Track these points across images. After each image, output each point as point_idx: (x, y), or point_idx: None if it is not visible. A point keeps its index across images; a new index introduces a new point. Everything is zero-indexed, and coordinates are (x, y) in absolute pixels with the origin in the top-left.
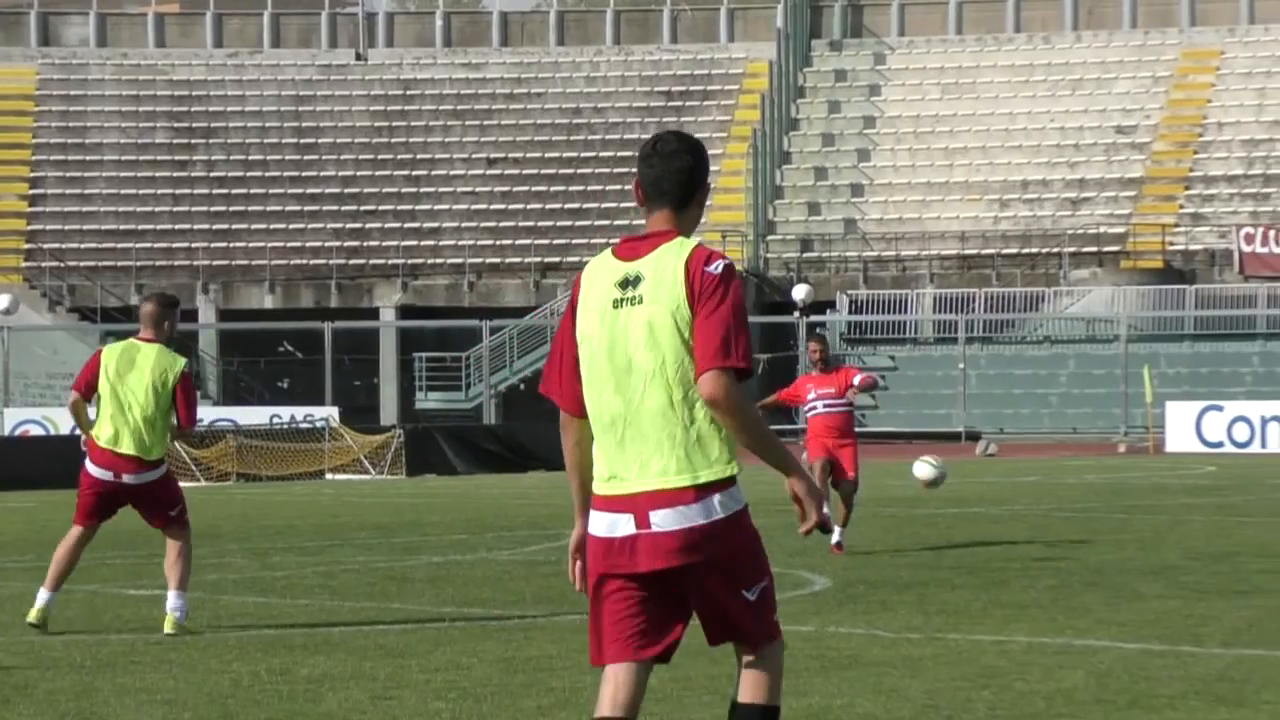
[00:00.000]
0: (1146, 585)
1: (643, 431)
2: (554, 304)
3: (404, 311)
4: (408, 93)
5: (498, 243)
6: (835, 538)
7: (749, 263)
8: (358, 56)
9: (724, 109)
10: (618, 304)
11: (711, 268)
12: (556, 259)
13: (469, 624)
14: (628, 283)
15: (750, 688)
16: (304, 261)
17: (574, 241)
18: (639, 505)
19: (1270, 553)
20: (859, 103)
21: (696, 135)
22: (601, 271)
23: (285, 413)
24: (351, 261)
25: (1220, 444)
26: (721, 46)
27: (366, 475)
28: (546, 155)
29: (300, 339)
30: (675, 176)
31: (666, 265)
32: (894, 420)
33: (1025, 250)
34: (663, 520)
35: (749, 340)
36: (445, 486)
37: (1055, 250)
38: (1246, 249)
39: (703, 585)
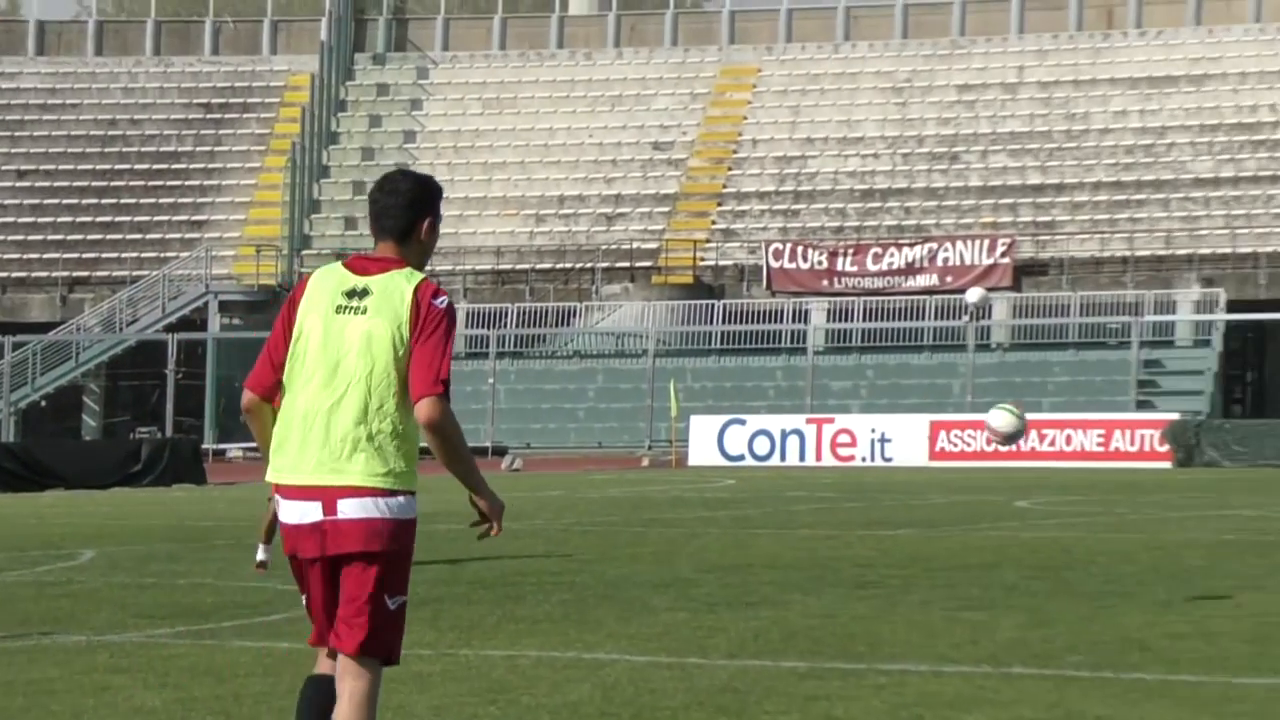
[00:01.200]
0: (658, 598)
1: (338, 430)
2: (80, 319)
3: None
4: None
5: (24, 256)
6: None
7: (283, 278)
8: None
9: (263, 122)
10: (340, 310)
11: (438, 302)
12: (86, 273)
13: None
14: (354, 293)
15: (349, 707)
16: None
17: (104, 255)
18: (328, 495)
19: (780, 564)
20: (400, 117)
21: (235, 148)
22: (329, 278)
23: None
24: None
25: (741, 457)
26: (264, 59)
27: None
28: (79, 167)
29: None
30: (394, 211)
31: (396, 287)
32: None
33: (560, 265)
34: (349, 509)
35: (449, 362)
36: None
37: (589, 265)
38: (775, 265)
39: (361, 577)
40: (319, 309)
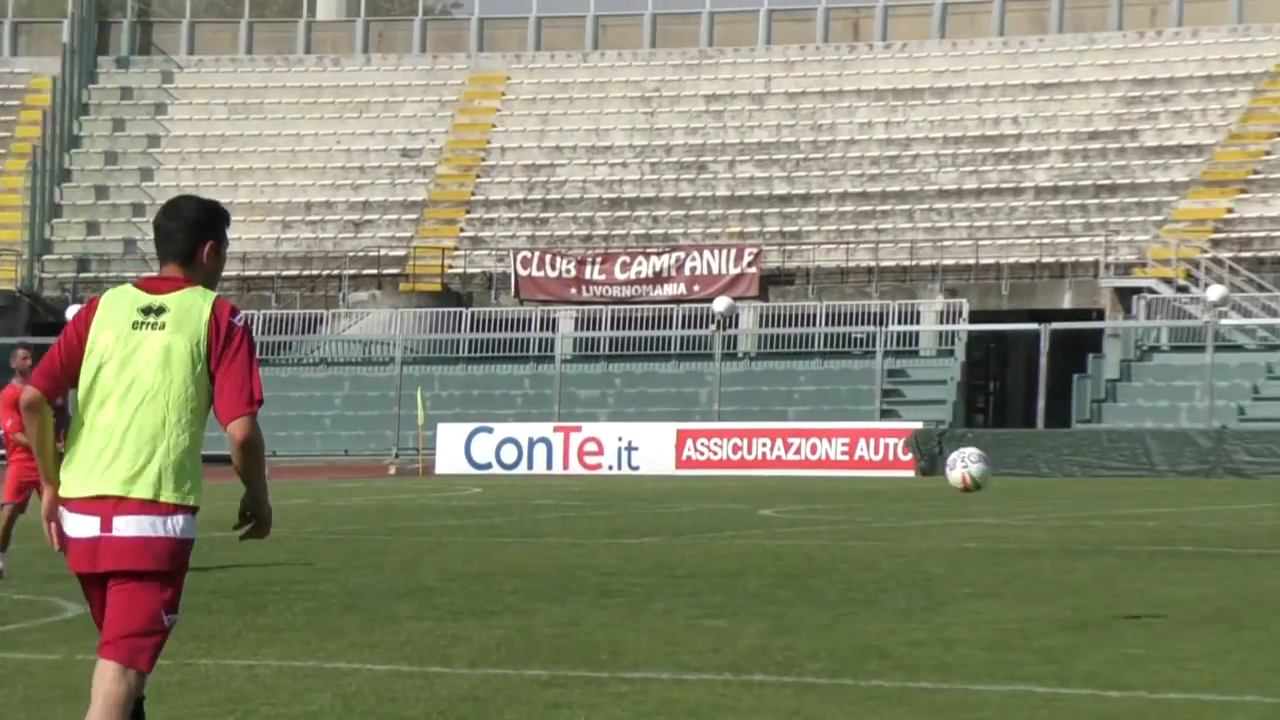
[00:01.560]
0: (402, 607)
1: (131, 443)
2: None
3: None
4: None
5: None
6: None
7: (23, 283)
8: None
9: (3, 124)
10: (137, 326)
11: (236, 320)
12: None
13: None
14: (151, 310)
15: (102, 708)
16: None
17: None
18: (105, 509)
19: (525, 573)
20: (144, 121)
21: None
22: (123, 298)
23: None
24: None
25: (489, 465)
26: (4, 60)
27: None
28: None
29: None
30: (176, 236)
31: (192, 304)
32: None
33: (306, 272)
34: (124, 526)
35: (260, 379)
36: None
37: (336, 272)
38: (523, 273)
39: (134, 592)
40: (114, 325)
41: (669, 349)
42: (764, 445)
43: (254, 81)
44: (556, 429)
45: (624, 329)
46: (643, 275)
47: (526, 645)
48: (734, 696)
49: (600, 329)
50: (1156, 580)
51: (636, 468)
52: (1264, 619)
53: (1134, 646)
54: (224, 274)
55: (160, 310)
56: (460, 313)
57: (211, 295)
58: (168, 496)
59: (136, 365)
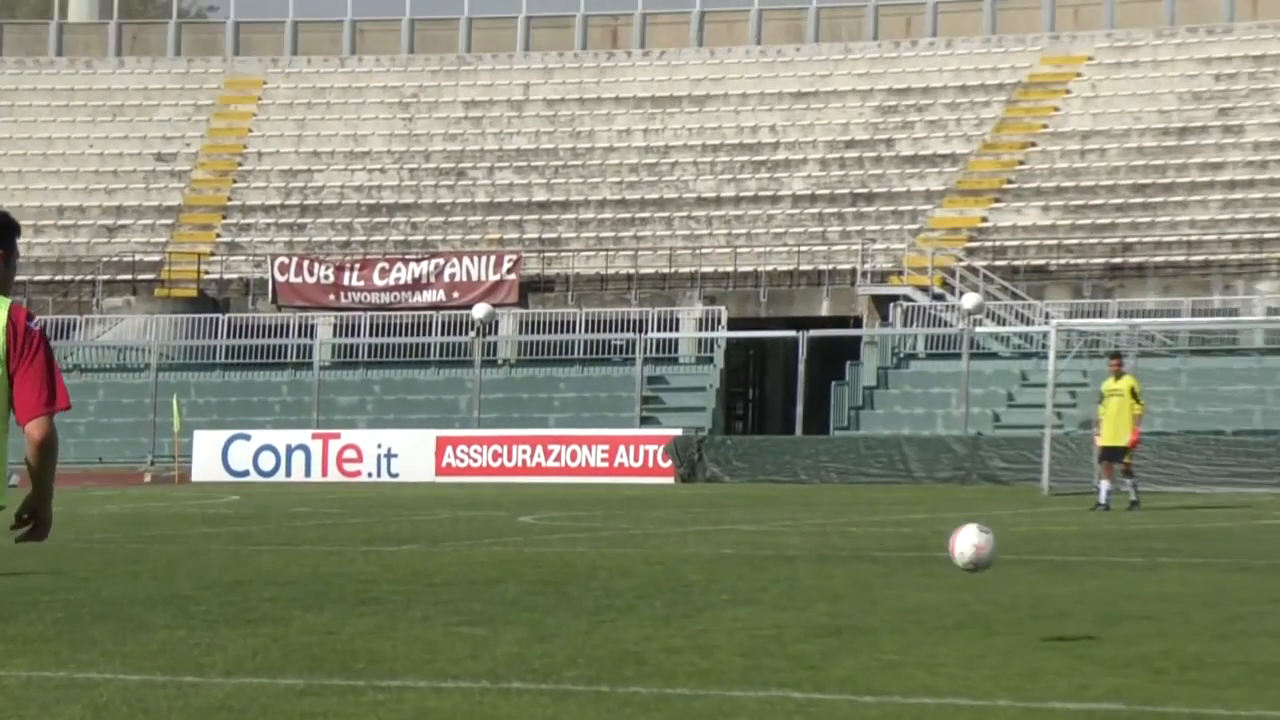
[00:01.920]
0: (156, 616)
1: None
2: None
3: None
4: None
5: None
6: None
7: None
8: None
9: None
10: None
11: (33, 324)
12: None
13: None
14: None
15: None
16: None
17: None
18: None
19: (281, 580)
20: None
21: None
22: None
23: None
24: None
25: (246, 473)
26: None
27: None
28: None
29: None
30: None
31: None
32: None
33: (59, 277)
34: None
35: (63, 383)
36: None
37: (90, 277)
38: (281, 279)
39: None
40: None
41: (428, 356)
42: (524, 452)
43: (4, 83)
44: (315, 436)
45: (383, 335)
46: (402, 281)
47: (282, 654)
48: (491, 704)
49: (359, 335)
50: (911, 586)
51: (396, 475)
52: (1016, 624)
53: (889, 652)
54: None
55: None
56: (217, 319)
57: (6, 301)
58: None
59: None
